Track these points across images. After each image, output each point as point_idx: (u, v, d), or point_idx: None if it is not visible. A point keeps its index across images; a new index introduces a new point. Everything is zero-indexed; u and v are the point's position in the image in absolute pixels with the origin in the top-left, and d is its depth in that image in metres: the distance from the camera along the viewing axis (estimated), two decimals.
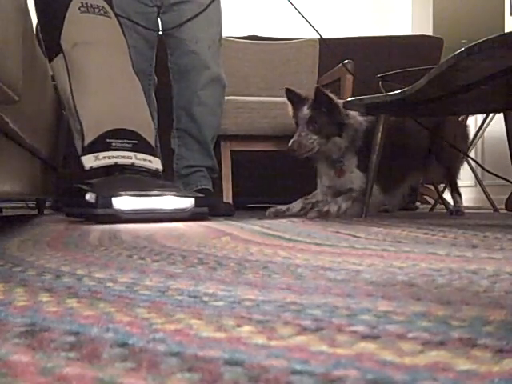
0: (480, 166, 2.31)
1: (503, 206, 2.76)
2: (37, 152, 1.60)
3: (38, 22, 1.81)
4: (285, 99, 2.00)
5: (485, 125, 2.99)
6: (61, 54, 1.72)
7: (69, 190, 1.69)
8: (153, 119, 2.26)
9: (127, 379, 0.27)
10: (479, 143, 3.98)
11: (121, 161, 1.69)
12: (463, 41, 3.80)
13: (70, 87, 1.70)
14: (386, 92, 1.81)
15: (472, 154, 3.83)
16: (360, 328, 0.36)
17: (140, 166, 1.73)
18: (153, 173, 1.76)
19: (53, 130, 1.93)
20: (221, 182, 2.33)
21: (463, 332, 0.34)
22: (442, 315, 0.39)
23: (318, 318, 0.39)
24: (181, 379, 0.27)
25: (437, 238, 1.01)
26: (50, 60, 1.76)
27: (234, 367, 0.28)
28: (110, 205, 1.49)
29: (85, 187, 1.56)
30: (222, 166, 2.33)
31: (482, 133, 3.17)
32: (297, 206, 2.00)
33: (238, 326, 0.37)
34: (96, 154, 1.66)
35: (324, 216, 1.82)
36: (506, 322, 0.37)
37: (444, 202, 2.78)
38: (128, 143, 1.71)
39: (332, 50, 2.23)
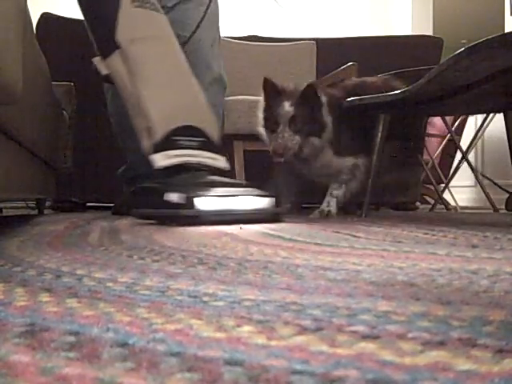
0: (472, 169, 2.30)
1: (503, 206, 2.76)
2: (37, 152, 1.60)
3: (86, 20, 1.71)
4: None
5: (485, 125, 2.99)
6: (117, 51, 1.61)
7: (139, 191, 1.58)
8: None
9: (127, 379, 0.27)
10: (479, 143, 3.98)
11: (189, 160, 1.57)
12: (463, 41, 3.79)
13: (134, 83, 1.60)
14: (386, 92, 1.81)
15: (472, 154, 3.83)
16: (360, 328, 0.36)
17: (206, 165, 1.60)
18: (219, 171, 1.63)
19: (53, 130, 1.93)
20: None
21: (463, 332, 0.34)
22: (442, 315, 0.39)
23: (318, 318, 0.39)
24: (181, 379, 0.27)
25: (437, 238, 1.01)
26: (105, 58, 1.65)
27: (234, 367, 0.28)
28: (193, 205, 1.36)
29: (162, 187, 1.44)
30: (236, 165, 2.32)
31: (482, 133, 3.18)
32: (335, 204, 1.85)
33: (238, 326, 0.37)
34: (167, 153, 1.54)
35: (326, 216, 1.79)
36: (506, 322, 0.37)
37: (444, 201, 2.78)
38: (195, 141, 1.59)
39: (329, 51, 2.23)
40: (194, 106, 1.67)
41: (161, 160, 1.52)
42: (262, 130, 1.85)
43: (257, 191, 1.50)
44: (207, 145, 1.62)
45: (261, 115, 1.85)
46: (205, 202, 1.39)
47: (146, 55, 1.64)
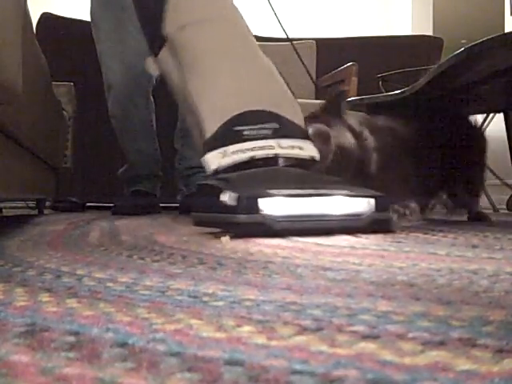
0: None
1: (504, 206, 2.76)
2: (37, 152, 1.60)
3: (139, 18, 1.53)
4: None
5: (485, 125, 2.99)
6: (165, 46, 1.40)
7: (198, 190, 1.23)
8: (151, 121, 2.17)
9: (127, 379, 0.27)
10: None
11: (259, 153, 1.21)
12: (463, 41, 3.79)
13: (182, 74, 1.33)
14: (386, 92, 1.81)
15: None
16: (360, 328, 0.36)
17: (287, 157, 1.23)
18: (306, 163, 1.25)
19: (53, 129, 1.93)
20: None
21: (463, 332, 0.34)
22: (442, 315, 0.39)
23: (318, 318, 0.39)
24: (181, 379, 0.27)
25: (437, 238, 1.00)
26: (156, 56, 1.45)
27: (234, 367, 0.28)
28: (256, 208, 1.02)
29: (218, 184, 1.11)
30: None
31: None
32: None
33: (238, 325, 0.37)
34: (223, 150, 1.19)
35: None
36: (506, 321, 0.37)
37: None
38: (266, 129, 1.24)
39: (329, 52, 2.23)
40: (262, 88, 1.33)
41: (215, 160, 1.19)
42: None
43: (350, 189, 1.13)
44: (286, 130, 1.25)
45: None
46: (273, 204, 1.04)
47: (199, 40, 1.37)
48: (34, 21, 2.19)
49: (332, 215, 1.08)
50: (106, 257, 0.77)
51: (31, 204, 2.49)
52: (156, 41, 1.42)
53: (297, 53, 1.72)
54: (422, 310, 0.41)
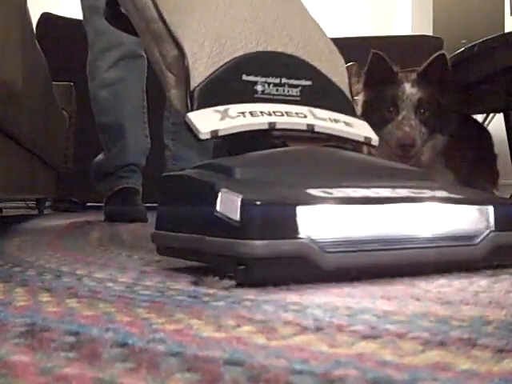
0: None
1: None
2: (37, 152, 1.60)
3: None
4: None
5: (485, 125, 2.99)
6: None
7: (165, 188, 0.69)
8: (143, 114, 1.79)
9: (127, 379, 0.27)
10: None
11: (283, 121, 0.71)
12: (463, 41, 3.79)
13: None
14: None
15: None
16: (360, 328, 0.36)
17: (329, 135, 0.75)
18: (356, 147, 0.90)
19: (53, 129, 1.93)
20: None
21: (463, 332, 0.34)
22: (441, 315, 0.39)
23: (318, 318, 0.39)
24: (181, 379, 0.27)
25: None
26: None
27: (234, 367, 0.28)
28: (290, 228, 0.51)
29: (207, 177, 0.61)
30: None
31: None
32: None
33: (238, 326, 0.37)
34: (222, 108, 0.68)
35: None
36: (506, 322, 0.37)
37: None
38: (293, 85, 0.75)
39: None
40: (289, 23, 0.82)
41: (209, 123, 0.67)
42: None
43: (454, 190, 0.65)
44: (325, 94, 0.78)
45: (359, 98, 1.35)
46: (322, 219, 0.53)
47: None
48: (34, 21, 2.19)
49: (426, 238, 0.59)
50: (106, 257, 0.77)
51: (31, 204, 2.49)
52: None
53: None
54: (422, 310, 0.41)
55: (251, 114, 0.70)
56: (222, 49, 0.74)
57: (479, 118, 2.13)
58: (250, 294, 0.48)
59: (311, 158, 0.68)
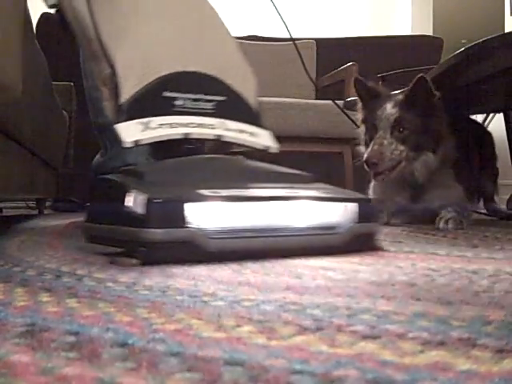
0: None
1: (504, 206, 2.76)
2: (37, 152, 1.60)
3: None
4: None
5: (485, 125, 2.99)
6: None
7: (94, 189, 0.87)
8: None
9: (127, 379, 0.27)
10: None
11: (196, 132, 0.86)
12: (463, 41, 3.79)
13: (93, 19, 0.92)
14: None
15: None
16: (360, 328, 0.36)
17: (234, 144, 0.93)
18: (259, 155, 0.95)
19: (53, 129, 1.93)
20: None
21: (463, 332, 0.34)
22: (442, 315, 0.39)
23: (318, 318, 0.39)
24: (181, 379, 0.27)
25: (437, 238, 1.01)
26: None
27: (234, 367, 0.28)
28: (180, 219, 0.68)
29: (121, 179, 0.78)
30: None
31: None
32: None
33: (238, 326, 0.37)
34: (144, 120, 0.83)
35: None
36: (506, 322, 0.37)
37: None
38: (207, 100, 0.89)
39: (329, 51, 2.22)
40: (207, 47, 0.96)
41: (132, 133, 0.82)
42: (361, 134, 1.44)
43: (321, 190, 0.82)
44: (235, 108, 0.92)
45: (360, 116, 1.45)
46: (207, 212, 0.70)
47: None
48: (34, 21, 2.19)
49: (295, 228, 0.75)
50: (106, 257, 0.77)
51: (31, 204, 2.49)
52: None
53: (298, 52, 1.71)
54: (422, 310, 0.41)
55: (170, 125, 0.85)
56: (148, 69, 0.88)
57: (479, 118, 2.13)
58: (250, 294, 0.48)
59: (211, 164, 0.86)
